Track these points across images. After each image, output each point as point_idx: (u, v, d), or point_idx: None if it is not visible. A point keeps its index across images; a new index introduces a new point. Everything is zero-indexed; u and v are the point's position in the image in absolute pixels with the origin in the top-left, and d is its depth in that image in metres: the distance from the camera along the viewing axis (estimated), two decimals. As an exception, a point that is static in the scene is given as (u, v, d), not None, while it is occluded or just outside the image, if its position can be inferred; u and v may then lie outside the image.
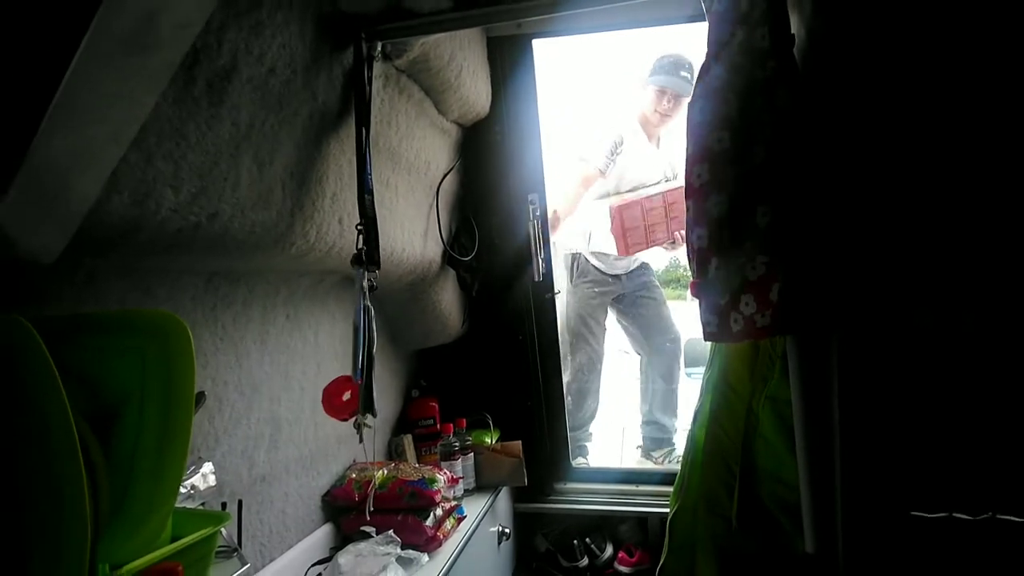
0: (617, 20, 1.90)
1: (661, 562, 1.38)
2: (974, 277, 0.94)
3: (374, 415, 1.17)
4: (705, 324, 1.22)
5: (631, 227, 2.36)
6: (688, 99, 2.30)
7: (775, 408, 1.29)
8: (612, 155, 2.46)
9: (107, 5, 0.60)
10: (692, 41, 2.35)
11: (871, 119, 1.07)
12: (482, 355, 2.26)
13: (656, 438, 2.77)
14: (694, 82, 2.34)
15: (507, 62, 1.97)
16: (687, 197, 1.20)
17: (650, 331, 2.74)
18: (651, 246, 2.46)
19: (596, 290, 2.64)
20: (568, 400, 2.43)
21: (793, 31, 1.15)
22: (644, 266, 2.71)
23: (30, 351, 0.59)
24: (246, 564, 0.93)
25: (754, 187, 1.12)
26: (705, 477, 1.35)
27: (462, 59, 1.56)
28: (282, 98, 1.01)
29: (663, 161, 2.60)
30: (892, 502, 1.03)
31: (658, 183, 2.56)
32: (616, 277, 2.66)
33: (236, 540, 1.07)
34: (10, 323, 0.60)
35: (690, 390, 2.50)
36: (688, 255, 1.23)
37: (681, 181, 2.04)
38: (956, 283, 0.96)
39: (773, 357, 1.29)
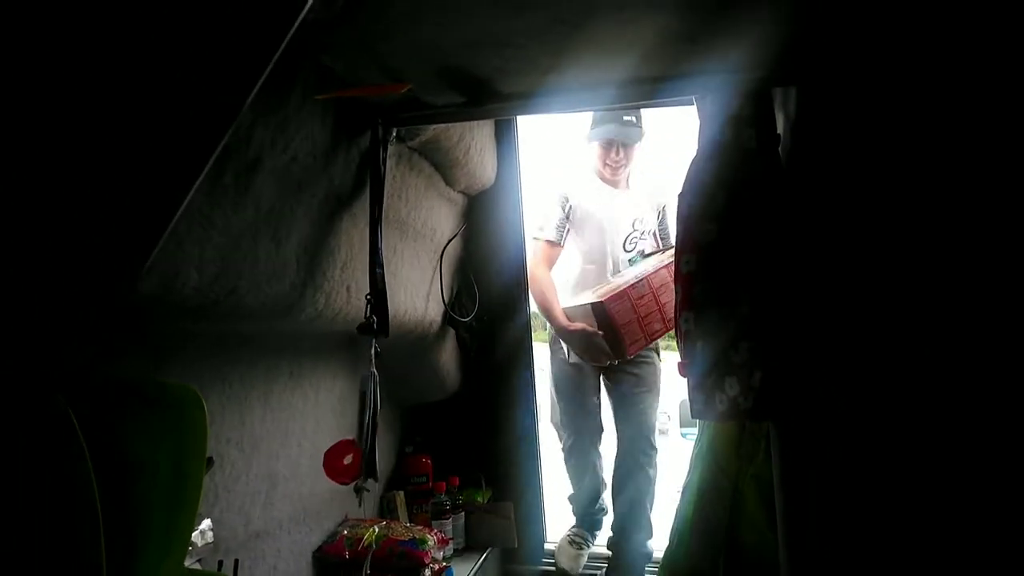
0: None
1: None
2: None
3: (376, 480, 1.22)
4: (692, 402, 1.28)
5: (624, 322, 1.97)
6: (636, 144, 2.24)
7: (759, 487, 1.33)
8: (563, 218, 2.18)
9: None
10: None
11: (844, 215, 1.15)
12: (477, 413, 2.31)
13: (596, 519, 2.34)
14: (641, 125, 2.24)
15: (513, 135, 2.09)
16: (676, 282, 1.27)
17: (626, 430, 2.25)
18: (652, 340, 2.08)
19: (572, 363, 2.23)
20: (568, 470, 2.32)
21: (779, 131, 1.24)
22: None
23: (66, 433, 0.65)
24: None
25: (739, 277, 1.20)
26: (693, 553, 1.38)
27: (470, 139, 1.67)
28: (301, 182, 1.10)
29: (632, 203, 2.25)
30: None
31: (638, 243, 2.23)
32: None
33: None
34: (49, 402, 0.66)
35: (679, 453, 2.18)
36: (676, 336, 1.30)
37: (665, 257, 2.07)
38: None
39: (758, 436, 1.34)
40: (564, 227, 2.20)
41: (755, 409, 1.15)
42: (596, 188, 2.23)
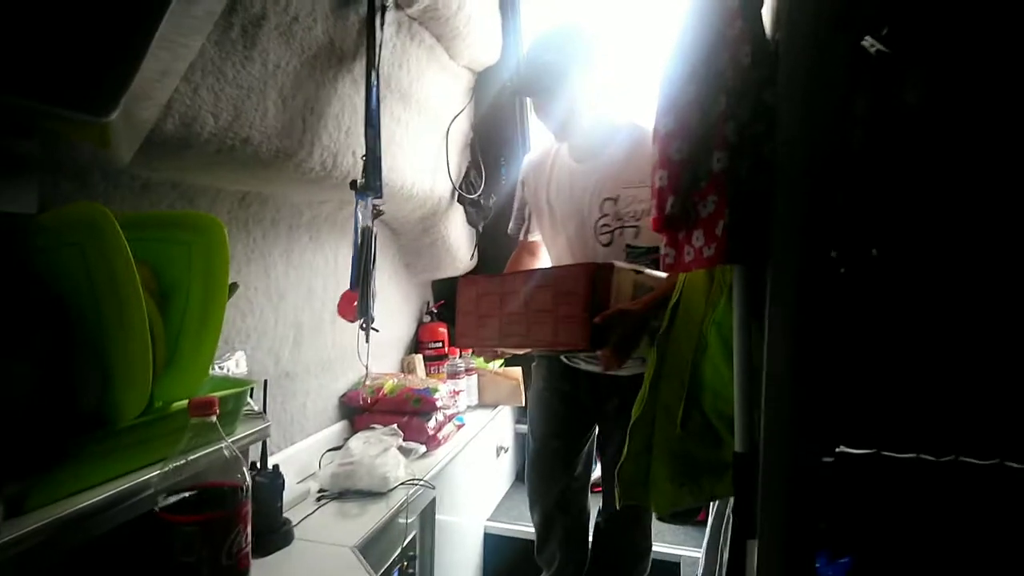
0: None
1: (619, 465, 1.56)
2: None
3: (370, 320, 1.39)
4: (664, 256, 1.40)
5: (465, 311, 1.50)
6: (554, 92, 1.51)
7: (720, 331, 1.46)
8: (521, 203, 1.71)
9: None
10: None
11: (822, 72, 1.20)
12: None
13: None
14: (562, 60, 1.48)
15: (518, 12, 2.11)
16: (653, 143, 1.35)
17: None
18: (479, 347, 1.60)
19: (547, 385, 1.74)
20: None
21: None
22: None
23: (108, 229, 0.81)
24: (267, 423, 1.17)
25: (713, 134, 1.28)
26: (662, 391, 1.55)
27: (471, 9, 1.71)
28: (304, 42, 1.20)
29: (599, 178, 1.51)
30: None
31: None
32: (579, 379, 1.65)
33: (262, 408, 1.32)
34: (93, 207, 0.82)
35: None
36: (652, 194, 1.40)
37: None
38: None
39: (722, 286, 1.46)
40: (523, 215, 1.72)
41: (717, 255, 1.26)
42: (556, 162, 1.60)
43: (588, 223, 1.52)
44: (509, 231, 1.77)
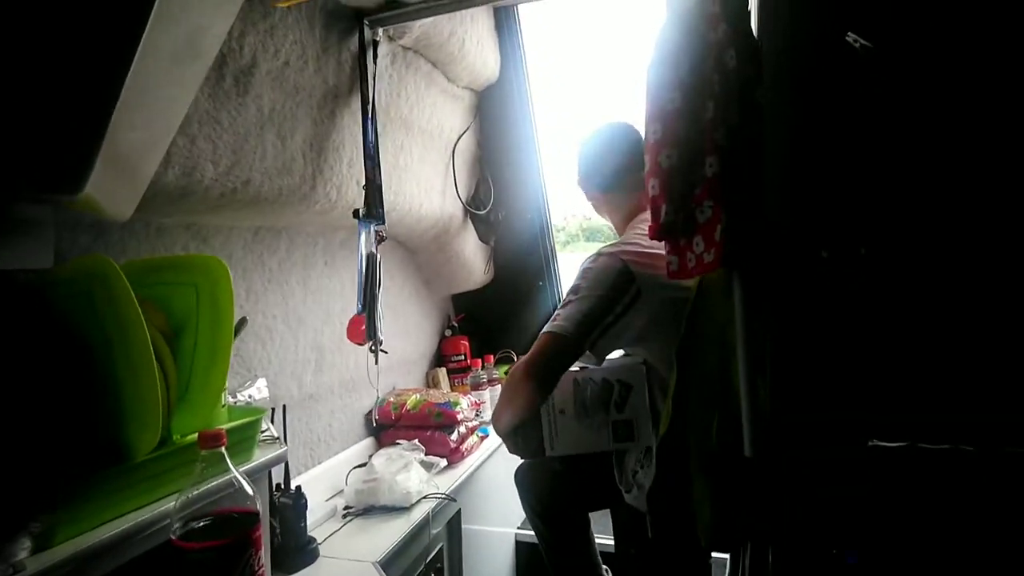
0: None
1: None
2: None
3: (378, 342, 1.44)
4: (668, 264, 1.41)
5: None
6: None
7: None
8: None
9: (158, 26, 0.85)
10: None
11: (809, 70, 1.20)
12: (507, 298, 2.51)
13: None
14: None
15: (514, 26, 2.15)
16: (645, 152, 1.36)
17: None
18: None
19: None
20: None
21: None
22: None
23: (112, 277, 0.88)
24: (284, 448, 1.23)
25: (703, 141, 1.28)
26: (692, 403, 1.53)
27: (463, 33, 1.75)
28: (297, 84, 1.26)
29: None
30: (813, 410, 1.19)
31: None
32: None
33: (282, 434, 1.38)
34: (99, 259, 0.89)
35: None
36: (647, 203, 1.41)
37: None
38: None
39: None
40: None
41: (717, 260, 1.26)
42: None
43: None
44: None
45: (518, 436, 1.42)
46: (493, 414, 1.43)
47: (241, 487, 0.95)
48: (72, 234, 1.06)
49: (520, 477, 1.71)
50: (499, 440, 2.18)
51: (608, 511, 1.66)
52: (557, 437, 1.38)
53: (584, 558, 1.70)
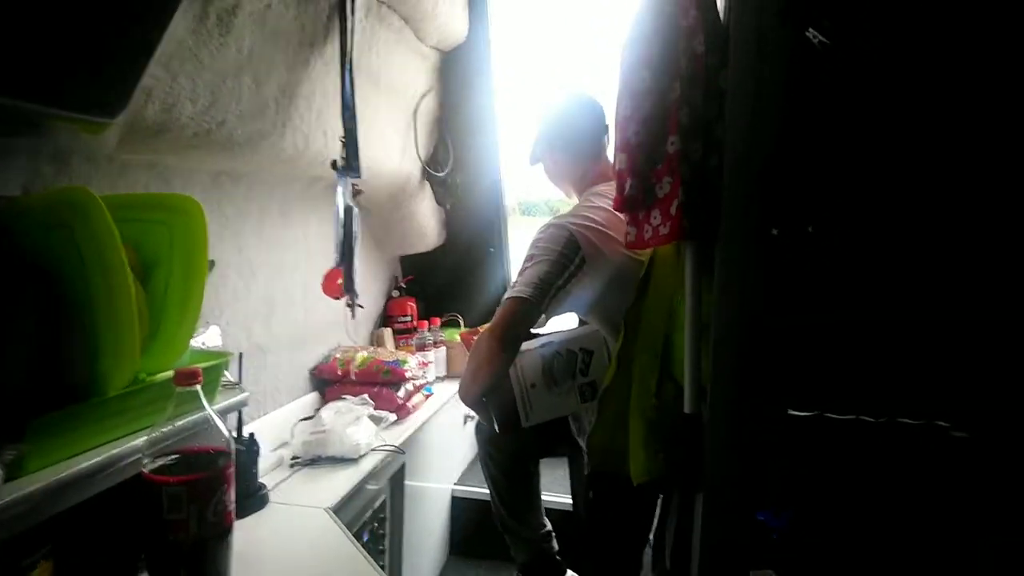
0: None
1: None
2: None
3: (355, 296, 1.46)
4: (627, 234, 1.49)
5: None
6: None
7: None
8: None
9: None
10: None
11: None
12: (457, 263, 2.55)
13: None
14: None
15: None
16: (615, 128, 1.43)
17: None
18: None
19: None
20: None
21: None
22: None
23: (95, 210, 0.86)
24: (245, 393, 1.24)
25: (668, 119, 1.36)
26: (636, 362, 1.63)
27: (438, -10, 1.75)
28: (276, 28, 1.23)
29: None
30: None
31: None
32: None
33: (238, 379, 1.38)
34: (81, 191, 0.87)
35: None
36: (612, 176, 1.48)
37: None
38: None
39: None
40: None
41: (671, 233, 1.35)
42: None
43: None
44: None
45: (491, 408, 1.50)
46: (461, 385, 1.51)
47: (215, 426, 0.97)
48: (34, 164, 1.01)
49: (482, 428, 1.79)
50: (443, 399, 2.24)
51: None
52: (531, 409, 1.48)
53: (534, 510, 1.82)
